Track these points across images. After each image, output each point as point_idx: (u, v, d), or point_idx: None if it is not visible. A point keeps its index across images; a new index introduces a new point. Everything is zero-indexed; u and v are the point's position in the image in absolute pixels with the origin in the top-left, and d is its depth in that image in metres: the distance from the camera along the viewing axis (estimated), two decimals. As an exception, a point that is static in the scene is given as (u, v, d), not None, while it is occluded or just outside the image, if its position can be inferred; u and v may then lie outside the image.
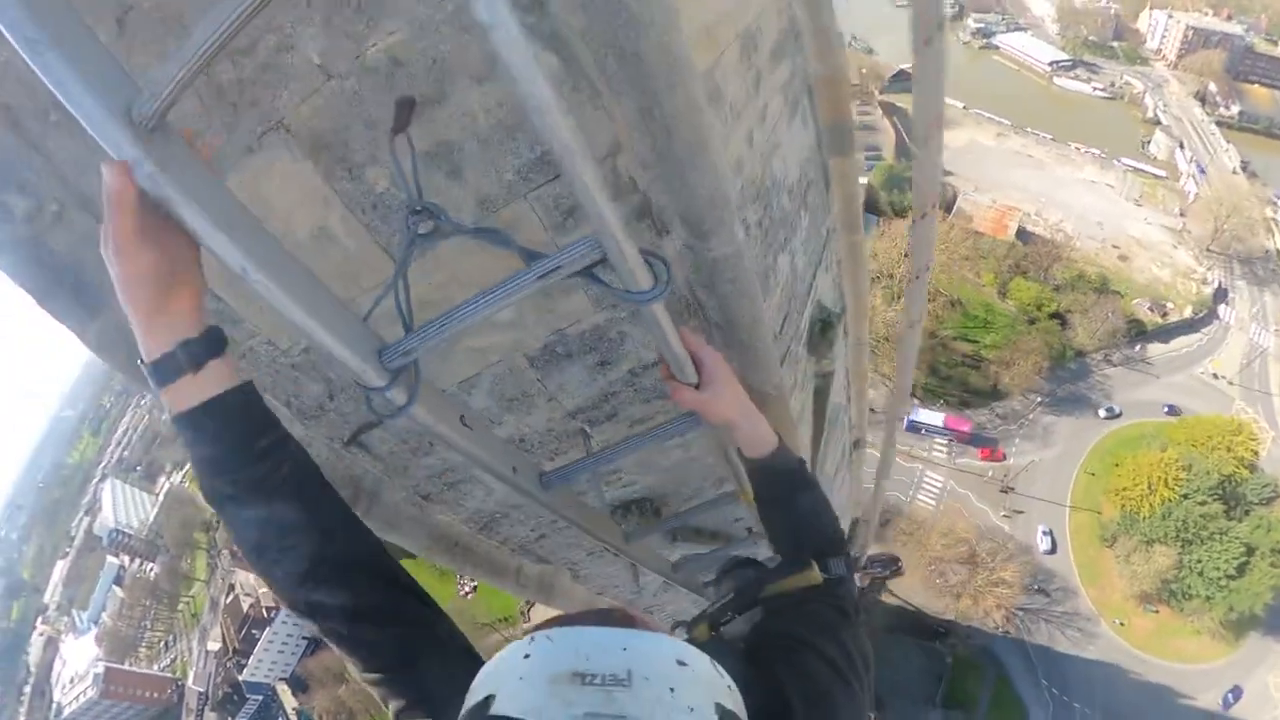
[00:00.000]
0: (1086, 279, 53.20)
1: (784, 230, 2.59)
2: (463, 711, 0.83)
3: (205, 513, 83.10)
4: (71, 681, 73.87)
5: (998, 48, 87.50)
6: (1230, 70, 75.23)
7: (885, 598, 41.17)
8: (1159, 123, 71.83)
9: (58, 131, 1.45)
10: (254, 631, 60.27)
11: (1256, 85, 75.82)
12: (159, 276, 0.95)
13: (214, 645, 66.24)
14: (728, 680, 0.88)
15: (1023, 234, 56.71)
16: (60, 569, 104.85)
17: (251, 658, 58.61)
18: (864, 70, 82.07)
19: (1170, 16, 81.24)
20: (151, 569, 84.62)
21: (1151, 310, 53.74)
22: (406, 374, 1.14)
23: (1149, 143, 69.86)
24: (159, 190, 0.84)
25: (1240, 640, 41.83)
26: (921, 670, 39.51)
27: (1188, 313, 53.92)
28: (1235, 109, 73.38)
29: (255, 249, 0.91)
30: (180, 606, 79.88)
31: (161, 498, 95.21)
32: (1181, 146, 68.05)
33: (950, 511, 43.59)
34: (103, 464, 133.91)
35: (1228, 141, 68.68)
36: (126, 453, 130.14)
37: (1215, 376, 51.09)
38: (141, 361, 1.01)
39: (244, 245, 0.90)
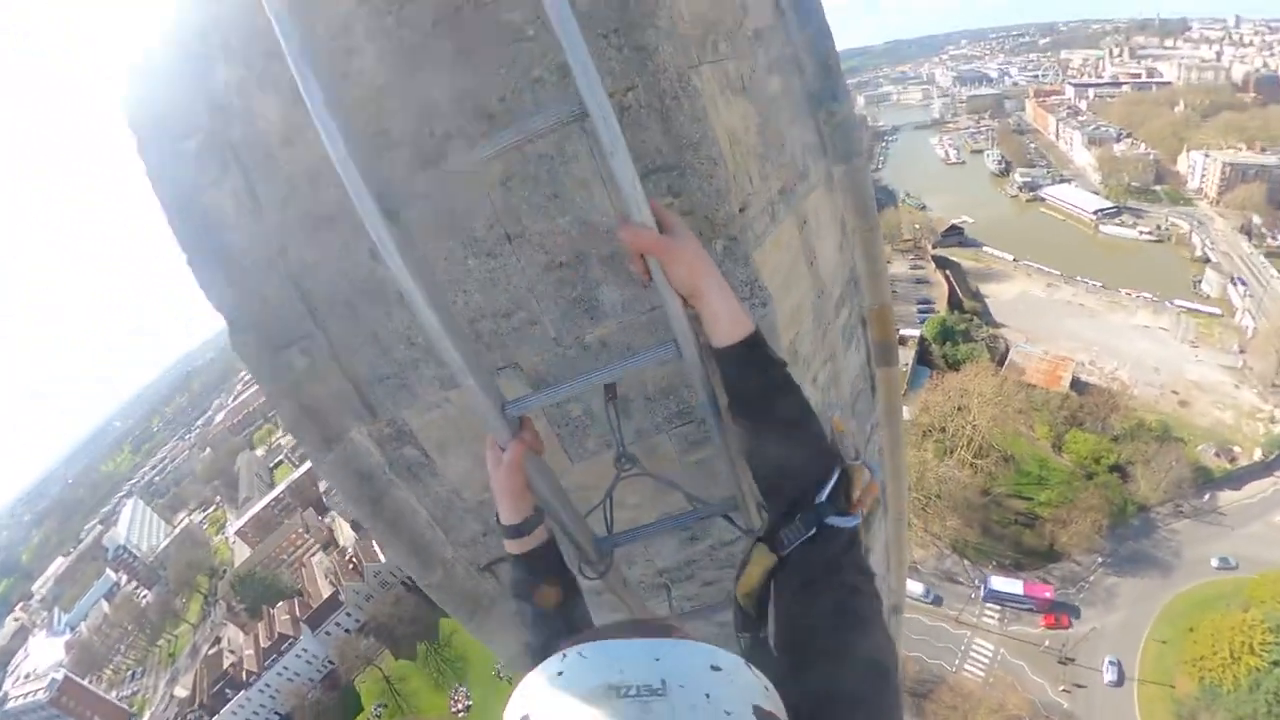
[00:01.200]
0: (1146, 428, 54.84)
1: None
2: None
3: (215, 558, 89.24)
4: (27, 677, 74.41)
5: (1044, 199, 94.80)
6: (1272, 200, 79.62)
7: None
8: (1208, 260, 75.99)
9: (370, 340, 2.12)
10: (227, 691, 60.05)
11: (1300, 210, 79.07)
12: (519, 488, 1.55)
13: (182, 692, 65.80)
14: (764, 681, 0.90)
15: (1077, 384, 60.04)
16: (58, 565, 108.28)
17: (218, 716, 58.49)
18: (918, 226, 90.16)
19: (1207, 156, 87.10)
20: (145, 596, 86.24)
21: (1218, 456, 54.32)
22: (607, 556, 1.91)
23: (1200, 281, 73.59)
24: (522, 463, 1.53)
25: None
26: None
27: (1258, 455, 53.87)
28: (1281, 238, 76.68)
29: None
30: (160, 642, 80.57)
31: (177, 531, 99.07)
32: (1234, 283, 71.17)
33: (1001, 684, 42.65)
34: (132, 481, 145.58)
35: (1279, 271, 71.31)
36: (158, 478, 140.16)
37: None
38: (499, 522, 1.60)
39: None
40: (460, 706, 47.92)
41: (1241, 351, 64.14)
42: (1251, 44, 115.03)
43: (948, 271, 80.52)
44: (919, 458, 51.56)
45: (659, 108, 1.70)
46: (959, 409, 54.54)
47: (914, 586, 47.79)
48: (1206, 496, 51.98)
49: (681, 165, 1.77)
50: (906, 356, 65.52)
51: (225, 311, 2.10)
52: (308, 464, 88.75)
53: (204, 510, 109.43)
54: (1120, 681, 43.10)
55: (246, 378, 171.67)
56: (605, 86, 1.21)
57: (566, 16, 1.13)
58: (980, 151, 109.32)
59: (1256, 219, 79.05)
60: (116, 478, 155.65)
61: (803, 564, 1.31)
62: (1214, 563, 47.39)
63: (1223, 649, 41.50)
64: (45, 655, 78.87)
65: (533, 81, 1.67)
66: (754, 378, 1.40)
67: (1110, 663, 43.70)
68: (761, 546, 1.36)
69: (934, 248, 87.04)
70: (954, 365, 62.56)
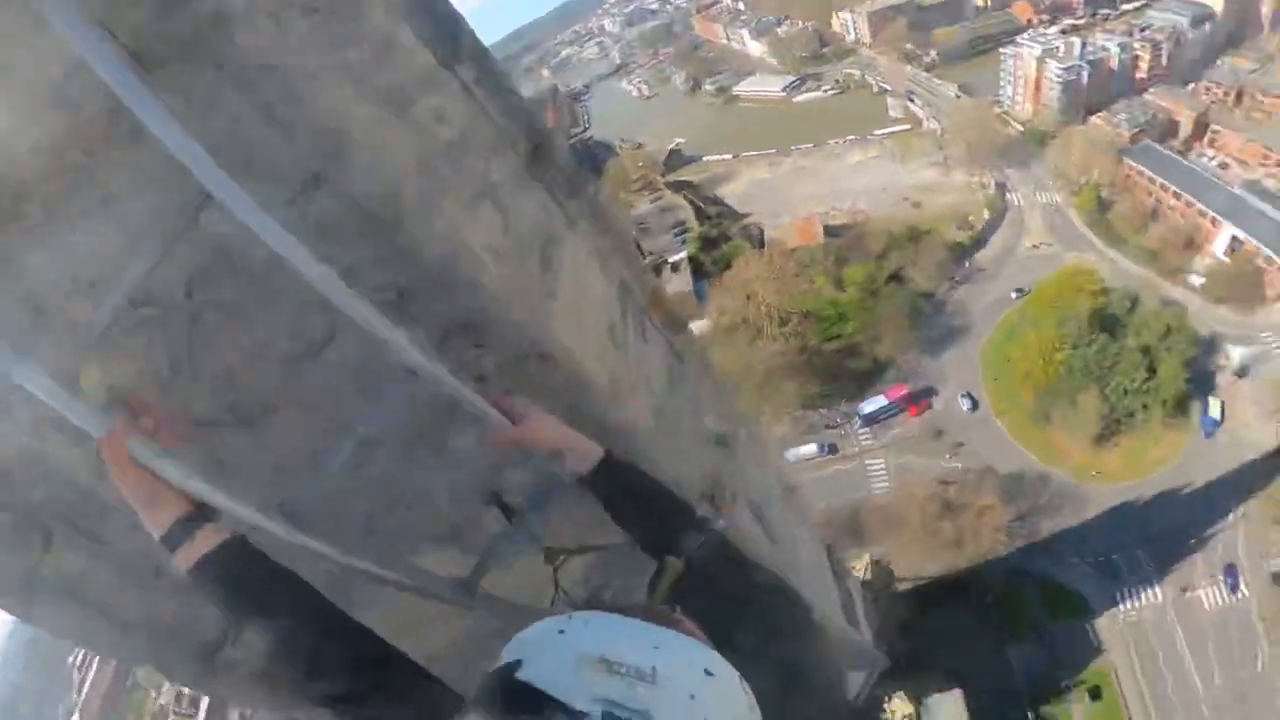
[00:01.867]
0: (899, 237, 61.55)
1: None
2: (491, 669, 0.90)
3: None
4: None
5: (738, 96, 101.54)
6: (914, 28, 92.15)
7: (901, 588, 43.34)
8: (886, 91, 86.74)
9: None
10: None
11: (937, 29, 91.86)
12: (151, 484, 1.38)
13: None
14: (750, 700, 0.93)
15: (831, 231, 65.19)
16: None
17: None
18: (641, 164, 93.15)
19: (854, 12, 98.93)
20: None
21: (961, 229, 63.00)
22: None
23: (889, 111, 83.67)
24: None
25: (1188, 416, 48.95)
26: (974, 624, 41.77)
27: (987, 215, 63.80)
28: (932, 53, 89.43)
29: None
30: None
31: None
32: (911, 101, 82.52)
33: (906, 481, 47.42)
34: None
35: (940, 79, 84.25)
36: None
37: (1035, 247, 60.82)
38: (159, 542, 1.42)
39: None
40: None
41: (940, 149, 73.52)
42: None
43: (685, 192, 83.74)
44: (737, 354, 53.52)
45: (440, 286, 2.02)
46: (748, 298, 56.84)
47: (808, 449, 51.34)
48: (967, 263, 60.46)
49: (483, 321, 2.06)
50: (685, 279, 67.73)
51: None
52: None
53: None
54: (976, 407, 51.98)
55: None
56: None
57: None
58: (668, 79, 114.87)
59: (909, 46, 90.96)
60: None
61: (704, 566, 1.68)
62: (1013, 295, 56.60)
63: (1036, 360, 49.44)
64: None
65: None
66: (614, 487, 1.92)
67: (963, 396, 52.34)
68: (670, 559, 1.65)
69: (664, 176, 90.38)
70: (726, 266, 65.26)
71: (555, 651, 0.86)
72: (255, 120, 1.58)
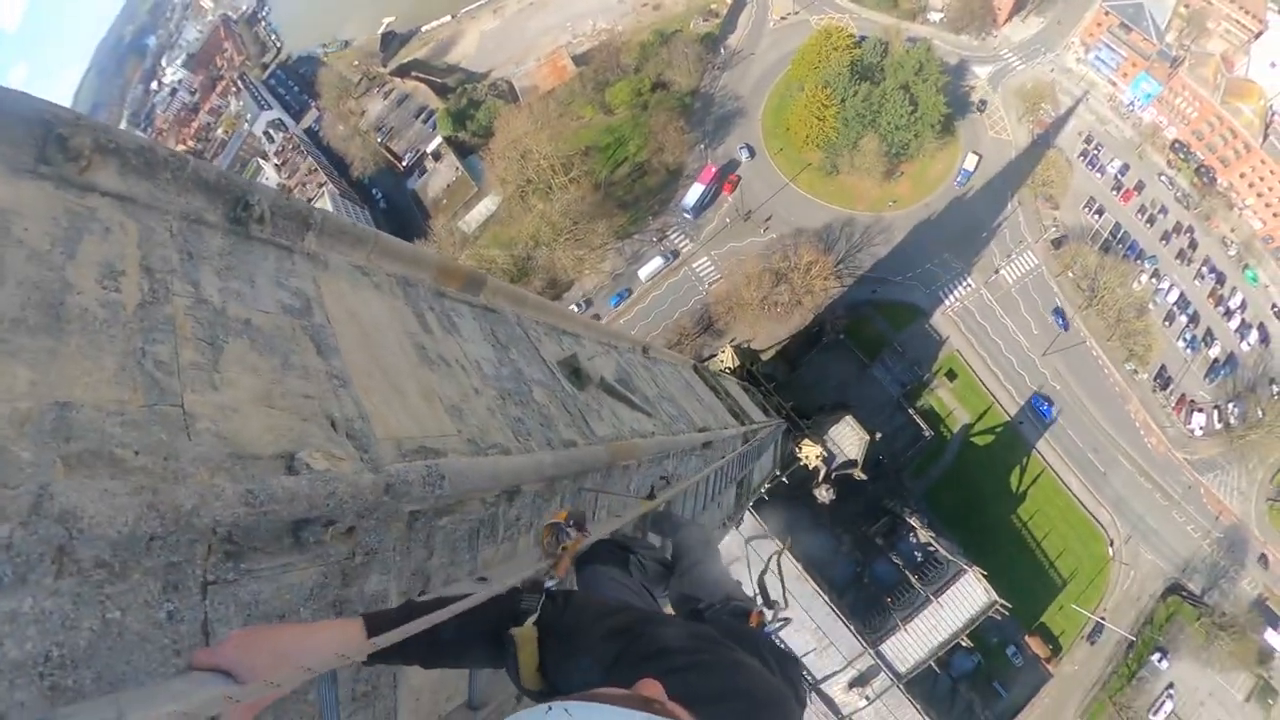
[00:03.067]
0: (649, 44, 61.01)
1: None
2: None
3: None
4: None
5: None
6: None
7: (766, 357, 46.09)
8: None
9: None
10: None
11: None
12: None
13: None
14: None
15: (580, 60, 63.05)
16: None
17: None
18: (356, 63, 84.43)
19: None
20: None
21: (706, 21, 63.32)
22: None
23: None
24: None
25: (957, 135, 55.97)
26: (838, 361, 46.28)
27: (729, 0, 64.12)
28: None
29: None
30: None
31: None
32: None
33: (734, 267, 49.06)
34: None
35: None
36: None
37: (783, 18, 62.44)
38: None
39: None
40: None
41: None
42: None
43: (414, 74, 77.45)
44: (536, 214, 52.01)
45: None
46: (523, 157, 54.05)
47: (654, 264, 51.75)
48: (722, 50, 61.03)
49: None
50: (451, 163, 63.48)
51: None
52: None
53: None
54: (754, 155, 55.75)
55: None
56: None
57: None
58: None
59: None
60: None
61: (565, 617, 1.64)
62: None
63: (811, 121, 52.50)
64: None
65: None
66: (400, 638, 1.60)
67: (741, 147, 55.64)
68: (519, 630, 1.59)
69: (386, 66, 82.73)
70: (488, 132, 61.54)
71: None
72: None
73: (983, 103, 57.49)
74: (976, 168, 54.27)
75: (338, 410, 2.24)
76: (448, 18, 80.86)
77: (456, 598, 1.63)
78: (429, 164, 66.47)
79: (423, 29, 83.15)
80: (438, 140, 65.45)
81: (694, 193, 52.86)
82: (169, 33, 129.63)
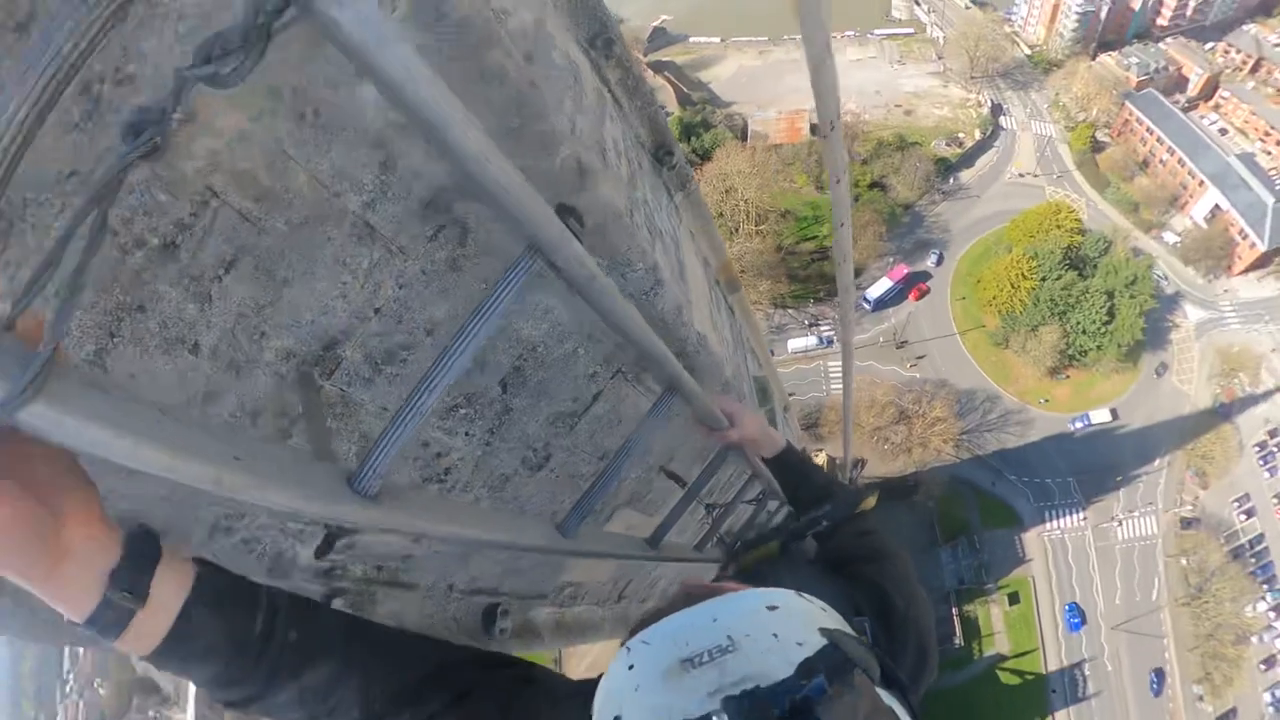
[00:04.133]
0: (887, 143, 60.53)
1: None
2: None
3: None
4: None
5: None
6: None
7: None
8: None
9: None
10: None
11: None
12: (35, 516, 0.78)
13: None
14: (819, 604, 0.98)
15: (815, 130, 62.52)
16: None
17: None
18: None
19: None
20: None
21: (949, 145, 62.42)
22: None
23: (890, 11, 79.95)
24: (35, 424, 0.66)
25: (1138, 364, 52.40)
26: (914, 524, 44.61)
27: (978, 135, 63.21)
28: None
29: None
30: None
31: None
32: (917, 3, 78.74)
33: (865, 386, 47.89)
34: None
35: None
36: None
37: (1021, 176, 61.01)
38: (76, 624, 0.85)
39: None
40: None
41: (940, 58, 71.23)
42: None
43: (666, 73, 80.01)
44: None
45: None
46: (726, 192, 55.30)
47: (807, 341, 51.85)
48: (951, 180, 60.06)
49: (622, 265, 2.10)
50: (659, 166, 65.69)
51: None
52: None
53: None
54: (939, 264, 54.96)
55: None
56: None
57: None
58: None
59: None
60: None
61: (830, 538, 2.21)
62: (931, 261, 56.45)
63: (1005, 285, 50.82)
64: None
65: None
66: (794, 471, 2.53)
67: (932, 253, 55.53)
68: (775, 542, 2.22)
69: (645, 55, 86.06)
70: (705, 155, 63.13)
71: (640, 686, 0.85)
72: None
73: (1163, 366, 53.71)
74: (1113, 419, 50.57)
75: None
76: (718, 39, 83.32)
77: (819, 469, 2.57)
78: (640, 158, 69.12)
79: (690, 39, 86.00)
80: (660, 139, 67.73)
81: (880, 286, 52.97)
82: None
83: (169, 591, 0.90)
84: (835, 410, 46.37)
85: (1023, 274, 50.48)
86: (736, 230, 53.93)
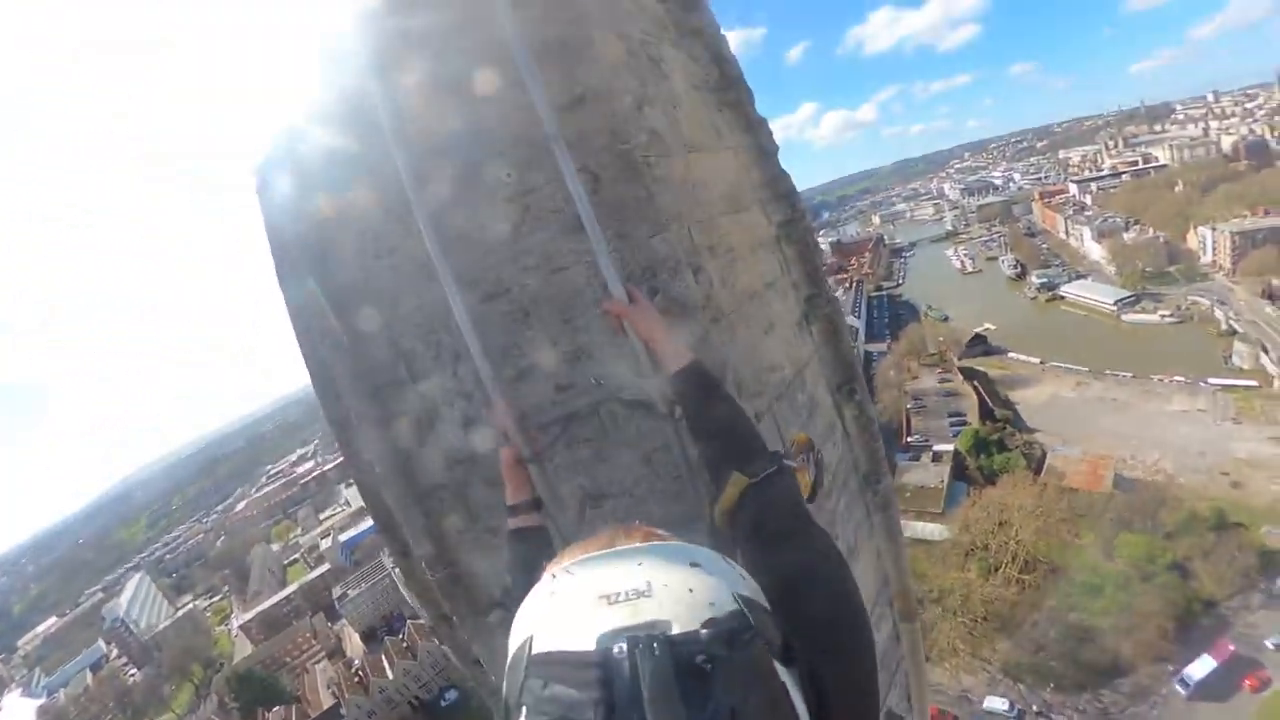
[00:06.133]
0: (1200, 517, 53.35)
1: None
2: (509, 658, 0.93)
3: (214, 649, 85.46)
4: (-7, 735, 68.19)
5: (1063, 297, 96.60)
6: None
7: None
8: (1235, 332, 76.05)
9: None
10: None
11: (1315, 264, 79.61)
12: (516, 480, 2.17)
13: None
14: (739, 570, 1.00)
15: (1120, 482, 58.94)
16: (50, 624, 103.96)
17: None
18: (941, 339, 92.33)
19: (1215, 229, 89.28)
20: (134, 674, 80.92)
21: (1282, 536, 52.85)
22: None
23: (1230, 356, 73.24)
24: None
25: None
26: None
27: None
28: (1306, 294, 76.70)
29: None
30: None
31: (180, 614, 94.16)
32: (1265, 350, 70.86)
33: None
34: (143, 555, 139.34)
35: None
36: (169, 556, 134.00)
37: None
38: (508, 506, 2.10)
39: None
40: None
41: (1290, 421, 62.86)
42: (1233, 115, 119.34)
43: (975, 382, 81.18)
44: (962, 578, 50.86)
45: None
46: (1000, 524, 53.56)
47: (999, 703, 46.47)
48: (1278, 581, 49.68)
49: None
50: (942, 473, 65.99)
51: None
52: (323, 567, 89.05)
53: (210, 598, 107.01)
54: None
55: (273, 470, 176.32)
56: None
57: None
58: (995, 258, 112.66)
59: (1276, 281, 79.46)
60: (127, 548, 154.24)
61: (767, 495, 1.62)
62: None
63: None
64: (15, 716, 76.01)
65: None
66: (696, 393, 1.96)
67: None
68: (738, 475, 1.64)
69: (960, 359, 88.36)
70: (991, 478, 61.84)
71: (557, 612, 0.91)
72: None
73: None
74: None
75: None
76: (1036, 360, 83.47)
77: (748, 420, 1.91)
78: (926, 458, 70.15)
79: (1009, 353, 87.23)
80: (950, 448, 68.78)
81: (1203, 665, 44.17)
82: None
83: (538, 516, 2.17)
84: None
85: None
86: (996, 570, 51.36)
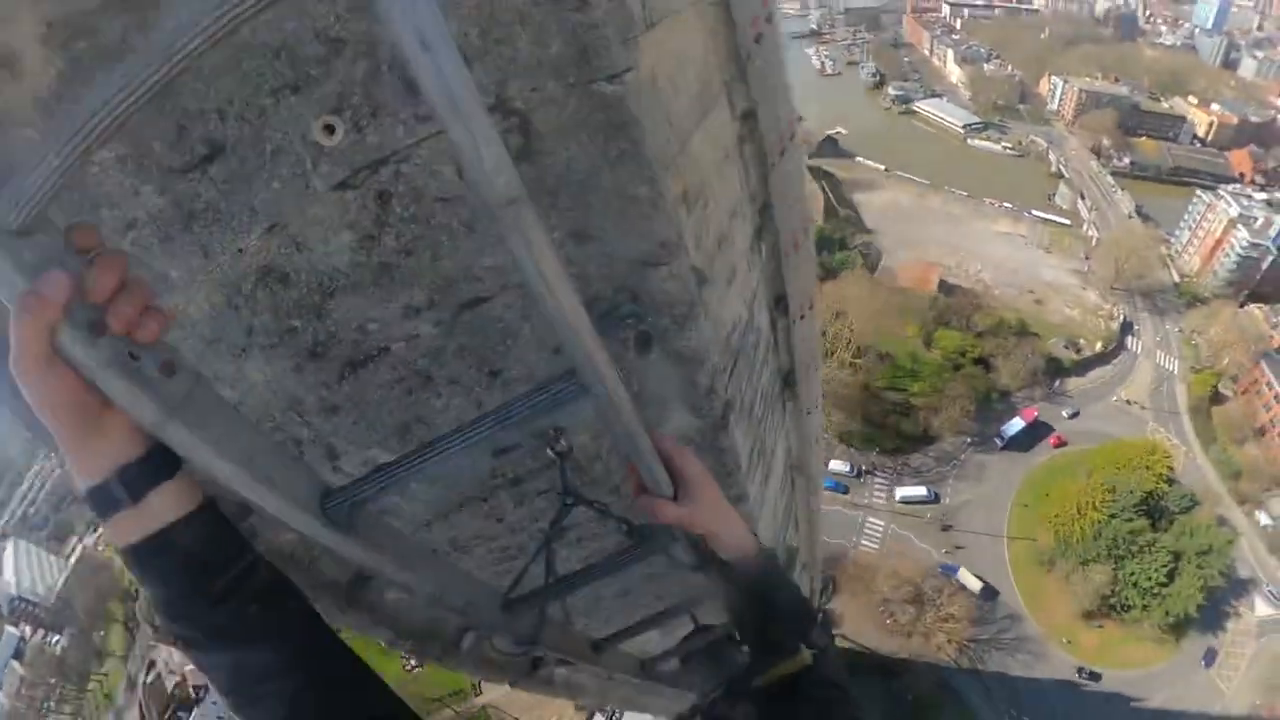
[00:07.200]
0: (1006, 324, 58.99)
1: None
2: None
3: (123, 580, 78.58)
4: (-42, 767, 68.71)
5: (916, 112, 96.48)
6: (1121, 126, 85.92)
7: (838, 641, 43.66)
8: (1062, 176, 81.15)
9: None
10: (179, 714, 56.21)
11: (1144, 138, 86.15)
12: (85, 397, 0.89)
13: (131, 729, 61.44)
14: None
15: (945, 286, 62.71)
16: None
17: (180, 740, 53.64)
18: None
19: (1066, 81, 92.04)
20: (58, 641, 76.80)
21: (1067, 348, 59.94)
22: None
23: (1054, 194, 78.72)
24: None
25: (1181, 641, 46.35)
26: (884, 714, 41.53)
27: (1099, 347, 60.42)
28: (1127, 160, 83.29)
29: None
30: (91, 685, 72.33)
31: (72, 562, 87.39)
32: (1082, 197, 77.00)
33: (894, 553, 46.55)
34: (3, 521, 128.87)
35: (1121, 189, 78.02)
36: (31, 510, 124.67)
37: (1128, 403, 57.35)
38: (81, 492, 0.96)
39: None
40: (413, 664, 37.47)
41: (1087, 258, 69.11)
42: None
43: (823, 182, 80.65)
44: None
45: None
46: (837, 315, 55.08)
47: (916, 491, 51.21)
48: (1058, 384, 57.56)
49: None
50: (784, 266, 65.87)
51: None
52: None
53: (94, 530, 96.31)
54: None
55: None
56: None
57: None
58: (856, 64, 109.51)
59: (1106, 141, 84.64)
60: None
61: (823, 672, 1.50)
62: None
63: (1071, 507, 48.11)
64: (-39, 746, 69.54)
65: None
66: (759, 585, 1.60)
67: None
68: (803, 649, 1.49)
69: (810, 158, 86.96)
70: (831, 273, 63.03)
71: None
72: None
73: (1211, 653, 46.83)
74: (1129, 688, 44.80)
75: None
76: (881, 167, 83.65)
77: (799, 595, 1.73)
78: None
79: (856, 158, 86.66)
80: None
81: (1015, 425, 53.18)
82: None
83: (163, 505, 0.96)
84: (859, 565, 45.06)
85: (1093, 503, 47.48)
86: (831, 354, 53.52)
